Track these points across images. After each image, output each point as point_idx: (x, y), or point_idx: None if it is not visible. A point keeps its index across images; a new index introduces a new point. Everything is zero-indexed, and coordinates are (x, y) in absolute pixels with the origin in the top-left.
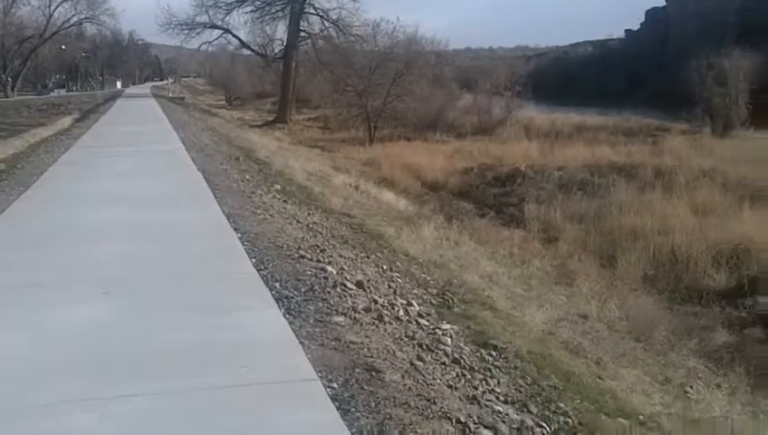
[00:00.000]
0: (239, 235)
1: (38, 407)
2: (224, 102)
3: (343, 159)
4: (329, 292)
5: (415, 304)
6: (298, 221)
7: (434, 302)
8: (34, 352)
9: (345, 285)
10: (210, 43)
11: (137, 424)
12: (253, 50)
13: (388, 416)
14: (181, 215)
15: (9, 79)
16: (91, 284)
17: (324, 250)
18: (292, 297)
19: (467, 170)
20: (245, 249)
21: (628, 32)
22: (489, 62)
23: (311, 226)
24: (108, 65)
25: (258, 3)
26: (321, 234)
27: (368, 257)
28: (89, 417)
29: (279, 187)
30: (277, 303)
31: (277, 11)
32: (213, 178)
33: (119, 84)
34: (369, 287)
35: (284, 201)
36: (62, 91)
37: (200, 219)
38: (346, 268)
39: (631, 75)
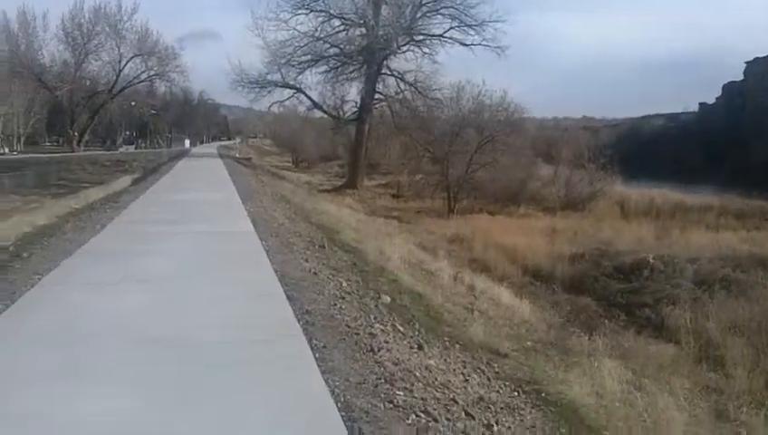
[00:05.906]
0: None
1: None
2: (290, 164)
3: (425, 234)
4: None
5: None
6: (468, 414)
7: None
8: None
9: None
10: (281, 102)
11: None
12: (325, 111)
13: None
14: (248, 407)
15: (75, 133)
16: None
17: None
18: None
19: (577, 257)
20: None
21: (702, 105)
22: (555, 131)
23: (489, 422)
24: (176, 123)
25: (333, 63)
26: None
27: None
28: None
29: (388, 298)
30: None
31: (352, 71)
32: (299, 295)
33: (187, 143)
34: None
35: (419, 347)
36: (131, 148)
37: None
38: None
39: (708, 149)
